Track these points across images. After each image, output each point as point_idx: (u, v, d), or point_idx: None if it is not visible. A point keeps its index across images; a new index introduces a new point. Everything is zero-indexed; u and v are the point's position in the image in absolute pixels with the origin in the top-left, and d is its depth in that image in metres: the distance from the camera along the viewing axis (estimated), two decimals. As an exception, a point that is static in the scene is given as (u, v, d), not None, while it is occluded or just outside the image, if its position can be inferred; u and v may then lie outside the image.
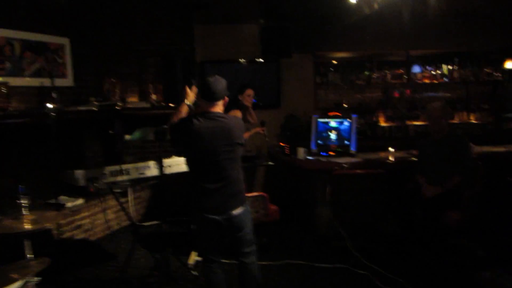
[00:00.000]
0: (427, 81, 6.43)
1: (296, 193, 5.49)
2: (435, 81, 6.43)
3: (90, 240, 4.81)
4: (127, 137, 3.67)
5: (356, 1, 4.23)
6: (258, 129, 4.96)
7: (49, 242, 4.39)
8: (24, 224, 2.51)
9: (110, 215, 5.09)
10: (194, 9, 5.35)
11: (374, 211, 4.20)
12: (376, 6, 4.35)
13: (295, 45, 5.89)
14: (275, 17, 5.85)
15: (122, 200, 5.30)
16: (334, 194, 4.23)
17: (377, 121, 6.49)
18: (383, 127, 6.53)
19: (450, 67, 6.41)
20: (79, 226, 4.74)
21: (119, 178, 3.56)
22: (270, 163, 5.22)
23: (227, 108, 3.34)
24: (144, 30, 5.75)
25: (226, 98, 2.93)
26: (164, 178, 3.69)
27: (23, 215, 2.57)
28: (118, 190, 5.24)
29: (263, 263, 4.09)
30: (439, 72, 6.39)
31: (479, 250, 4.04)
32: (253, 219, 3.96)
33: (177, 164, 3.86)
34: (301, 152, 4.86)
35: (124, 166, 3.57)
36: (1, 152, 4.41)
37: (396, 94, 6.74)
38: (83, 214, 4.77)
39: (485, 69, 6.48)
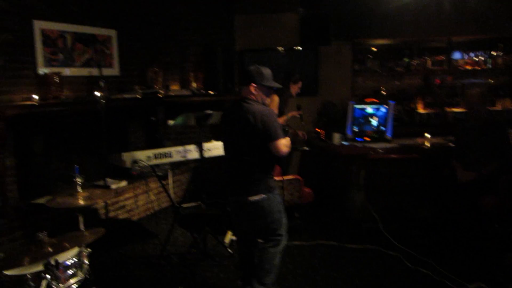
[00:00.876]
0: (469, 67, 6.28)
1: (331, 177, 5.59)
2: (478, 68, 6.26)
3: (132, 220, 5.12)
4: (170, 122, 3.89)
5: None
6: (294, 113, 5.09)
7: (97, 220, 4.73)
8: (79, 200, 2.76)
9: (151, 196, 5.39)
10: (234, 0, 5.50)
11: (408, 195, 4.23)
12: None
13: (334, 33, 5.92)
14: (313, 6, 5.90)
15: (163, 182, 5.59)
16: (368, 178, 4.29)
17: (416, 108, 6.43)
18: (422, 113, 6.45)
19: (494, 53, 6.23)
20: (122, 207, 5.07)
21: (163, 161, 3.79)
22: (306, 148, 5.34)
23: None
24: (186, 21, 5.97)
25: (253, 85, 2.91)
26: (203, 161, 3.88)
27: (78, 192, 2.82)
28: (160, 173, 5.54)
29: (296, 243, 4.25)
30: (482, 58, 6.23)
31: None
32: (288, 201, 4.16)
33: (216, 148, 4.05)
34: (336, 137, 4.94)
35: (167, 150, 3.80)
36: (54, 137, 4.78)
37: (437, 81, 6.63)
38: (126, 195, 5.09)
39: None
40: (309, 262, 3.90)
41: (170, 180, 5.59)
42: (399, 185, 4.19)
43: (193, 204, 5.40)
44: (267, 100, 3.09)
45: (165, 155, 3.77)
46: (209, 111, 3.65)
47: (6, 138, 4.02)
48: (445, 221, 4.22)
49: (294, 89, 5.03)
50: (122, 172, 5.13)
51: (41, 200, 4.32)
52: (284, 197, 4.10)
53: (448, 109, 6.43)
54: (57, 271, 2.20)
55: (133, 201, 5.18)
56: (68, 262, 2.34)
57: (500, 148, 3.99)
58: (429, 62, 6.34)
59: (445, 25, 6.08)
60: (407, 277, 3.54)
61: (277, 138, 2.78)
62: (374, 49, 6.68)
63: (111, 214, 4.92)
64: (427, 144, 4.83)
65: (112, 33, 5.43)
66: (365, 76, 6.44)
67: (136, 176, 5.27)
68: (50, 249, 2.23)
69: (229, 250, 4.05)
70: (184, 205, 5.37)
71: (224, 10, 5.94)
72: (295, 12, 5.96)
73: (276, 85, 3.04)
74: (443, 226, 4.25)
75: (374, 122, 4.93)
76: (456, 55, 6.28)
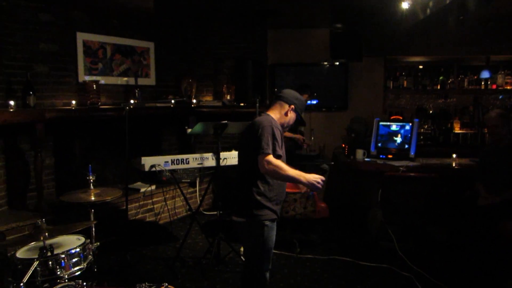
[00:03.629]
0: (509, 87, 6.05)
1: (353, 193, 5.56)
2: (518, 88, 6.03)
3: (158, 223, 5.34)
4: (188, 130, 4.07)
5: (409, 7, 4.21)
6: (308, 142, 5.16)
7: (125, 221, 4.98)
8: (90, 196, 3.00)
9: (179, 202, 5.59)
10: (266, 15, 5.66)
11: (427, 215, 4.16)
12: (428, 11, 4.28)
13: (366, 49, 5.92)
14: (346, 21, 5.95)
15: (191, 189, 5.81)
16: (387, 196, 4.25)
17: (452, 128, 6.27)
18: (458, 133, 6.29)
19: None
20: (150, 210, 5.31)
21: (179, 166, 3.98)
22: (325, 166, 5.35)
23: None
24: (221, 35, 6.21)
25: (284, 106, 2.86)
26: (219, 169, 4.03)
27: (90, 189, 3.07)
28: (188, 180, 5.78)
29: (310, 256, 4.28)
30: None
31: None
32: (301, 214, 4.22)
33: (232, 157, 4.19)
34: (359, 153, 4.93)
35: (184, 156, 3.99)
36: (93, 141, 5.12)
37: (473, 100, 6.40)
38: (154, 199, 5.32)
39: None
40: (319, 276, 3.91)
41: (198, 186, 5.79)
42: (417, 205, 4.11)
43: (214, 212, 5.57)
44: (288, 123, 2.93)
45: (182, 161, 3.95)
46: (224, 121, 3.80)
47: (44, 138, 4.35)
48: (462, 244, 4.11)
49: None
50: (154, 177, 5.41)
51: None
52: (296, 210, 4.20)
53: (486, 130, 6.21)
54: (60, 257, 2.42)
55: (161, 205, 5.40)
56: (73, 251, 2.54)
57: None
58: (466, 81, 6.17)
59: (483, 43, 5.92)
60: (417, 299, 3.49)
61: (262, 152, 2.56)
62: (408, 66, 6.59)
63: (139, 216, 5.18)
64: (453, 164, 4.72)
65: (150, 45, 5.75)
66: (398, 93, 6.37)
67: (166, 181, 5.53)
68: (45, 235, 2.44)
69: (243, 258, 4.15)
70: (205, 212, 5.60)
71: (257, 25, 6.12)
72: (326, 28, 6.03)
73: (302, 119, 3.00)
74: (460, 249, 4.13)
75: (398, 139, 4.88)
76: (484, 74, 6.04)
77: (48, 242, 2.44)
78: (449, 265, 4.02)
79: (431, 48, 6.10)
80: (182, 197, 5.61)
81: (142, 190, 5.17)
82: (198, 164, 4.06)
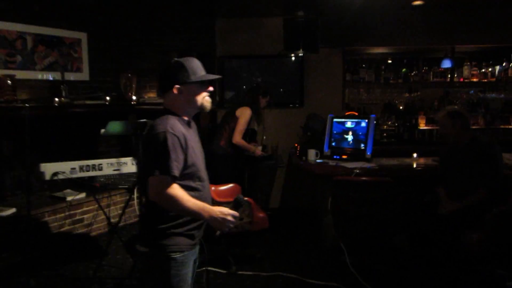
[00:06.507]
0: (475, 79, 5.62)
1: (308, 198, 5.05)
2: (485, 80, 5.60)
3: (90, 236, 4.74)
4: (102, 131, 3.45)
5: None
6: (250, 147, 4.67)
7: (48, 235, 4.37)
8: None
9: (115, 211, 4.98)
10: (214, 2, 5.13)
11: (382, 224, 3.67)
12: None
13: (323, 40, 5.40)
14: (301, 9, 5.41)
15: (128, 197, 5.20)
16: (337, 203, 3.75)
17: (416, 124, 5.82)
18: (423, 130, 5.85)
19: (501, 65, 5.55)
20: (80, 220, 4.70)
21: (90, 174, 3.40)
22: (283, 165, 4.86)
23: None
24: (165, 25, 5.62)
25: (175, 90, 2.04)
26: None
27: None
28: (125, 186, 5.17)
29: (250, 273, 3.75)
30: (490, 69, 5.56)
31: (508, 279, 3.36)
32: (236, 227, 3.66)
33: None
34: (311, 154, 4.42)
35: (97, 161, 3.41)
36: (15, 143, 4.49)
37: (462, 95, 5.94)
38: (85, 209, 4.72)
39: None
40: (259, 296, 3.40)
41: (135, 194, 5.19)
42: (371, 212, 3.62)
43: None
44: (204, 100, 2.11)
45: (94, 167, 3.37)
46: (144, 120, 3.25)
47: None
48: (421, 256, 3.63)
49: (263, 103, 4.59)
50: (86, 184, 4.77)
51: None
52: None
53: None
54: None
55: (92, 215, 4.80)
56: None
57: (489, 172, 3.38)
58: (430, 73, 5.72)
59: (448, 33, 5.48)
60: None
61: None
62: (367, 58, 6.11)
63: (66, 228, 4.56)
64: (414, 165, 4.25)
65: (82, 36, 5.13)
66: (358, 88, 5.88)
67: (99, 188, 4.90)
68: None
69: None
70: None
71: (204, 13, 5.56)
72: (280, 16, 5.48)
73: (211, 76, 2.12)
74: (419, 261, 3.65)
75: (351, 138, 4.37)
76: (445, 64, 5.57)
77: None
78: (408, 280, 3.53)
79: (393, 38, 5.62)
80: (118, 206, 5.06)
81: (69, 198, 4.56)
82: (115, 170, 3.50)
